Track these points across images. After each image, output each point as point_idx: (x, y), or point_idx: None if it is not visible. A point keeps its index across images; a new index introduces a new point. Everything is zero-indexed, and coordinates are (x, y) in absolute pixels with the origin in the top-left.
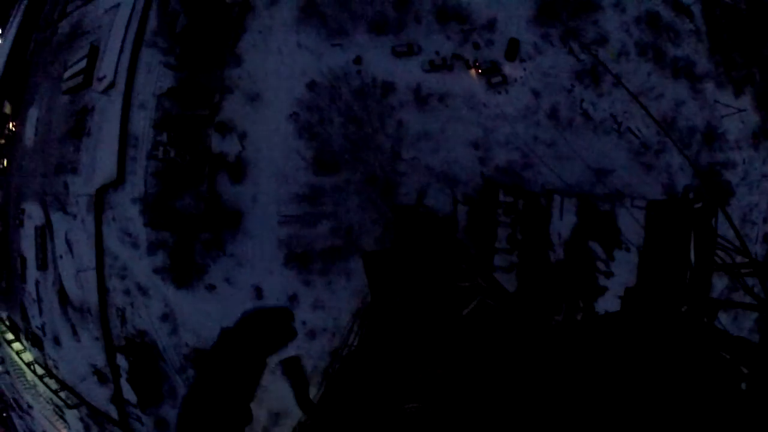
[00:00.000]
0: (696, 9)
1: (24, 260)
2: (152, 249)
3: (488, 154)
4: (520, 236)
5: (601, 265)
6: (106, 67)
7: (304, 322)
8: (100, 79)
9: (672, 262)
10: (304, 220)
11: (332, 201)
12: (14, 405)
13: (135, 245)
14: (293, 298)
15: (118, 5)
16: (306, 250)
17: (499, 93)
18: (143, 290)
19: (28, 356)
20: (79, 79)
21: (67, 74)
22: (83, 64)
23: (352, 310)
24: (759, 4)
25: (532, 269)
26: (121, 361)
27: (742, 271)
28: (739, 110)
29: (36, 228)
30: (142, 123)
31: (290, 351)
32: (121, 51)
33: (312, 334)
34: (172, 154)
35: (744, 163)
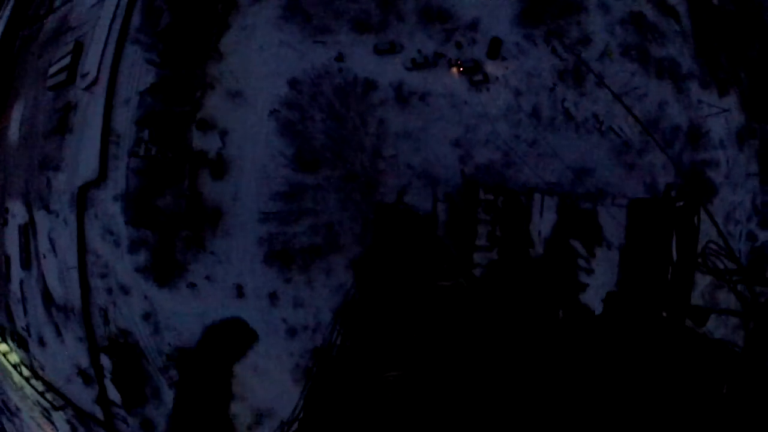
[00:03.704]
0: (682, 9)
1: (8, 260)
2: (134, 247)
3: (469, 152)
4: (500, 234)
5: (582, 263)
6: (90, 63)
7: (284, 320)
8: (83, 76)
9: (654, 260)
10: (284, 218)
11: (312, 199)
12: (3, 407)
13: (116, 243)
14: (273, 296)
15: (103, 0)
16: (286, 247)
17: (481, 92)
18: (125, 289)
19: (14, 357)
20: (63, 75)
21: (51, 71)
22: (67, 60)
23: (332, 307)
24: (747, 5)
25: (512, 266)
26: (105, 361)
27: (733, 278)
28: (723, 110)
29: (20, 226)
30: (124, 120)
31: (264, 351)
32: (105, 47)
33: (293, 332)
34: (154, 151)
35: (728, 162)
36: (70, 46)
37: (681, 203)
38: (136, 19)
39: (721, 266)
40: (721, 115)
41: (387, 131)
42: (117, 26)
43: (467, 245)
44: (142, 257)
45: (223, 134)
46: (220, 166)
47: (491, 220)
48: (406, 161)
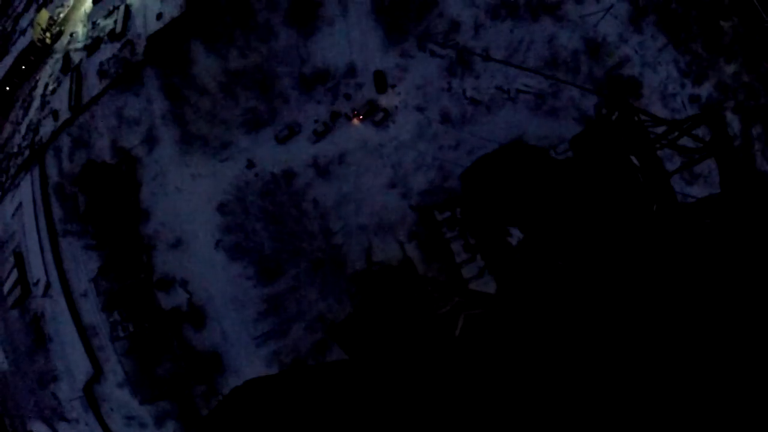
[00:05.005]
0: None
1: None
2: (159, 422)
3: (407, 186)
4: (473, 240)
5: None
6: (36, 270)
7: None
8: (35, 284)
9: (621, 176)
10: (278, 332)
11: (294, 302)
12: None
13: (142, 425)
14: None
15: (20, 204)
16: (295, 356)
17: (388, 126)
18: None
19: None
20: (18, 290)
21: (5, 289)
22: (15, 275)
23: None
24: None
25: (501, 262)
26: None
27: (669, 137)
28: (607, 10)
29: None
30: (91, 311)
31: None
32: (42, 250)
33: None
34: (132, 328)
35: (637, 51)
36: (12, 261)
37: (615, 114)
38: (57, 212)
39: (658, 132)
40: (607, 16)
41: (326, 207)
42: (43, 225)
43: (451, 266)
44: (171, 428)
45: (184, 284)
46: (197, 315)
47: (459, 233)
48: (357, 224)
